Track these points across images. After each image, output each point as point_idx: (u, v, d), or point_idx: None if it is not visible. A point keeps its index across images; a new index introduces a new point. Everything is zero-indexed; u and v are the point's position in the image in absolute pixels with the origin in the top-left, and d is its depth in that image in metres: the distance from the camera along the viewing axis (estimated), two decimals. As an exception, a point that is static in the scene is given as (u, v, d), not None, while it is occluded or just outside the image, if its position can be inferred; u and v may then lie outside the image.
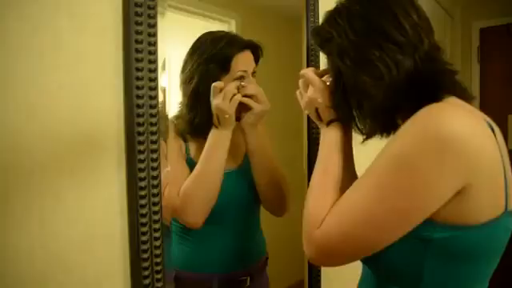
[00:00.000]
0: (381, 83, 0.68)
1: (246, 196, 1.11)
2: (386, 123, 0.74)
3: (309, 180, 1.25)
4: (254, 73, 1.08)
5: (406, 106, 0.68)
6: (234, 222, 1.10)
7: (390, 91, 0.68)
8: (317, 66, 1.27)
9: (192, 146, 1.08)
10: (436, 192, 0.60)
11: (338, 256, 0.68)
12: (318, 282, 1.31)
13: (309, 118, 1.26)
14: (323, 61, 1.28)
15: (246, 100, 1.02)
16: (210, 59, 1.02)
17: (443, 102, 0.66)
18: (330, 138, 0.80)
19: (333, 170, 0.76)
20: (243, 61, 1.05)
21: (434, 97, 0.66)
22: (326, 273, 1.33)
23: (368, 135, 0.77)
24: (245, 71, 1.05)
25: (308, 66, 1.26)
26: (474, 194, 0.60)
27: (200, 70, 1.02)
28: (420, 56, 0.69)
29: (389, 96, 0.69)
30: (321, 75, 0.85)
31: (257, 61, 1.10)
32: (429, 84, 0.68)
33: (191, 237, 1.07)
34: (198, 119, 1.03)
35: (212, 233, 1.07)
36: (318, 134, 1.27)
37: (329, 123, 0.82)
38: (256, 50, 1.09)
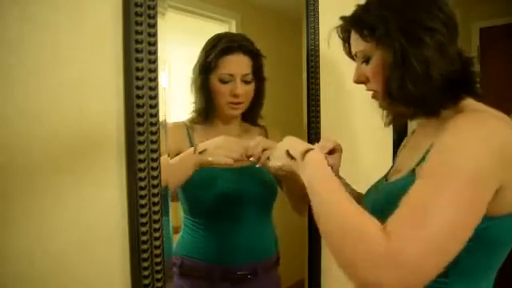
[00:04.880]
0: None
1: (258, 193, 1.12)
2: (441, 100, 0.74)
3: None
4: (246, 77, 1.09)
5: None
6: (242, 217, 1.11)
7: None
8: (317, 65, 1.27)
9: (197, 134, 1.13)
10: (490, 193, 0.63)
11: (427, 271, 0.57)
12: (318, 281, 1.31)
13: (309, 117, 1.26)
14: (323, 61, 1.28)
15: (264, 162, 0.99)
16: (204, 57, 1.08)
17: (483, 112, 0.70)
18: (315, 167, 0.76)
19: (339, 191, 0.70)
20: (230, 64, 1.08)
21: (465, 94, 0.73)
22: (326, 273, 1.33)
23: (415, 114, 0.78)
24: (230, 75, 1.07)
25: (308, 65, 1.26)
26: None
27: (197, 65, 1.10)
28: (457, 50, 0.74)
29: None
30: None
31: (256, 66, 1.11)
32: (466, 79, 0.73)
33: (199, 228, 1.10)
34: (199, 106, 1.11)
35: (219, 226, 1.09)
36: (318, 133, 1.27)
37: (304, 154, 0.79)
38: (253, 55, 1.10)
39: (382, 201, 0.80)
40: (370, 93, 0.83)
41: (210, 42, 1.09)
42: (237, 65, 1.08)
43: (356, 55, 0.81)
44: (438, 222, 0.57)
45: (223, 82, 1.08)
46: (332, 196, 0.69)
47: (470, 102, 0.74)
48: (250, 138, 1.11)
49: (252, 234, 1.13)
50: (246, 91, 1.10)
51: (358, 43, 0.80)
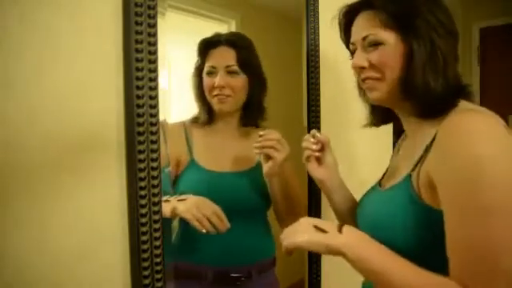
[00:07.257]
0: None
1: (254, 197, 1.12)
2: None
3: (309, 180, 1.25)
4: (230, 68, 1.10)
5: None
6: (237, 219, 1.10)
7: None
8: (316, 65, 1.27)
9: (196, 135, 1.13)
10: None
11: None
12: (318, 281, 1.31)
13: (309, 117, 1.26)
14: (323, 61, 1.28)
15: (266, 151, 1.02)
16: (197, 56, 1.13)
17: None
18: (361, 239, 0.72)
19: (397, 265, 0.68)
20: (214, 57, 1.11)
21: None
22: (326, 272, 1.33)
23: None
24: (213, 67, 1.10)
25: (308, 65, 1.26)
26: None
27: (193, 69, 1.14)
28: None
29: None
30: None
31: (241, 58, 1.11)
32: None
33: (193, 230, 1.07)
34: (198, 107, 1.13)
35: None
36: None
37: (340, 227, 0.73)
38: (236, 47, 1.11)
39: (375, 214, 0.80)
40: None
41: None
42: (219, 56, 1.10)
43: (364, 39, 0.79)
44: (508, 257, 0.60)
45: (208, 75, 1.11)
46: (398, 268, 0.67)
47: (461, 102, 0.74)
48: (249, 141, 1.11)
49: (245, 236, 1.12)
50: (229, 83, 1.10)
51: (369, 27, 0.78)
